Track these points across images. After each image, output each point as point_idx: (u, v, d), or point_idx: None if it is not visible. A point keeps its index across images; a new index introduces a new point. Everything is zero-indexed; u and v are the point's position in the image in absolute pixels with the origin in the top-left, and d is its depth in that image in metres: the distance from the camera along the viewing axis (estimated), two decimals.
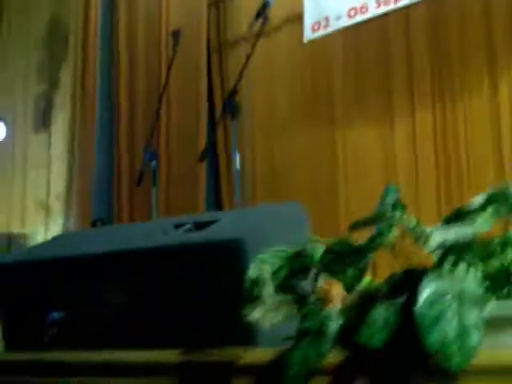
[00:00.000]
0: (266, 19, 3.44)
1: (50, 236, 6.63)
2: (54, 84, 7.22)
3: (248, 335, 1.16)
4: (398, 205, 1.00)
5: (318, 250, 1.04)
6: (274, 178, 5.72)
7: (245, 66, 3.42)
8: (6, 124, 7.38)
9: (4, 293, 1.51)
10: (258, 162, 5.66)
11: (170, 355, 1.11)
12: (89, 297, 1.33)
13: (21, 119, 7.47)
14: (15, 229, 7.19)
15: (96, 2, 6.80)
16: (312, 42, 5.52)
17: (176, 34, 4.04)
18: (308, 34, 5.57)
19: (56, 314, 1.38)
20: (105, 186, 6.60)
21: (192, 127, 6.13)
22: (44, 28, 7.41)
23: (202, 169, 5.88)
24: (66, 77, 7.05)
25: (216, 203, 6.16)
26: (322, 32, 5.50)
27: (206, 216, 1.59)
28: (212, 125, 6.18)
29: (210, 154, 5.70)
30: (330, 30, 5.43)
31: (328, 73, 5.49)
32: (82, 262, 1.37)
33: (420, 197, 4.73)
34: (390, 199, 1.02)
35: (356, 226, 0.99)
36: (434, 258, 0.90)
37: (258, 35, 3.40)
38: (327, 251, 1.01)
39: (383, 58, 5.22)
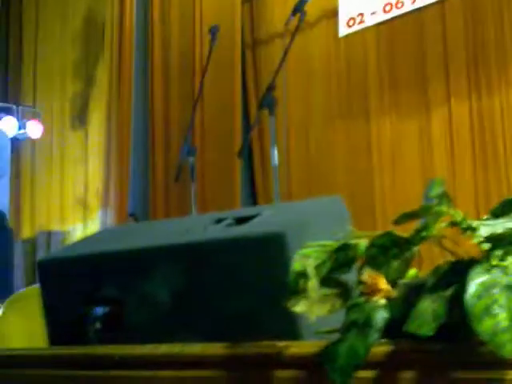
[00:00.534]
0: (303, 14, 3.44)
1: (88, 232, 6.71)
2: (90, 81, 7.30)
3: (292, 328, 1.17)
4: (443, 197, 1.00)
5: (362, 243, 1.05)
6: (309, 173, 5.71)
7: (282, 60, 3.43)
8: (43, 122, 7.48)
9: (49, 288, 1.53)
10: (293, 157, 5.66)
11: (215, 348, 1.12)
12: (133, 291, 1.35)
13: (58, 117, 7.57)
14: (54, 226, 7.28)
15: (131, 0, 6.85)
16: (347, 36, 5.51)
17: (213, 30, 4.06)
18: (343, 30, 5.56)
19: (100, 309, 1.40)
20: (140, 182, 6.65)
21: (226, 123, 6.15)
22: (80, 26, 7.48)
23: (238, 164, 5.90)
24: (102, 74, 7.12)
25: (251, 198, 6.17)
26: (356, 27, 5.48)
27: (247, 210, 1.59)
28: (246, 120, 6.19)
29: (246, 149, 5.72)
30: (364, 25, 5.42)
31: (363, 67, 5.48)
32: (127, 257, 1.38)
33: (457, 188, 4.69)
34: (436, 192, 1.02)
35: (401, 219, 0.99)
36: (481, 250, 0.90)
37: (296, 30, 3.41)
38: (371, 244, 1.01)
39: (418, 51, 5.20)
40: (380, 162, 5.25)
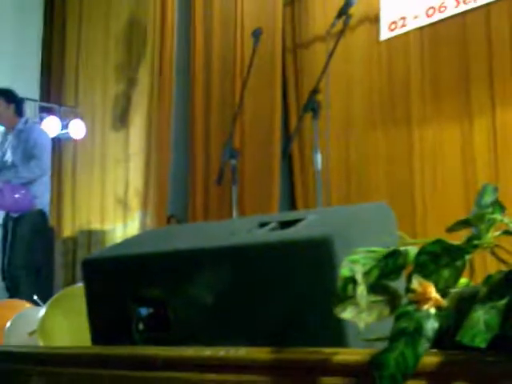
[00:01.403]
0: (348, 18, 3.43)
1: (128, 232, 6.76)
2: (131, 83, 7.36)
3: (337, 335, 1.16)
4: (496, 205, 0.98)
5: (412, 250, 1.03)
6: (349, 178, 5.69)
7: (327, 64, 3.42)
8: (85, 122, 7.57)
9: (93, 287, 1.55)
10: (333, 162, 5.63)
11: (260, 353, 1.11)
12: (177, 293, 1.35)
13: (99, 117, 7.65)
14: (95, 225, 7.35)
15: (173, 2, 6.91)
16: (389, 40, 5.48)
17: (256, 33, 4.06)
18: (384, 33, 5.53)
19: (144, 310, 1.41)
20: (181, 183, 6.69)
21: (266, 126, 6.16)
22: (123, 28, 7.56)
23: (277, 167, 5.90)
24: (144, 75, 7.18)
25: (289, 202, 6.16)
26: (398, 31, 5.45)
27: (290, 215, 1.58)
28: (284, 124, 6.19)
29: (287, 152, 5.72)
30: (406, 29, 5.38)
31: (405, 72, 5.44)
32: (172, 258, 1.39)
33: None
34: (488, 199, 1.00)
35: (455, 227, 0.98)
36: None
37: (341, 34, 3.40)
38: (421, 252, 0.99)
39: (462, 56, 5.14)
40: (421, 169, 5.20)
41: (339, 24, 3.52)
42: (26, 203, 5.02)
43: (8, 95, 5.30)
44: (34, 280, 5.06)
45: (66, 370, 1.50)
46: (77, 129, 7.51)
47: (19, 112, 5.32)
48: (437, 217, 4.96)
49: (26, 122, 5.32)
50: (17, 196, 4.99)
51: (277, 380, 1.08)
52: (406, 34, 5.41)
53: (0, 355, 1.76)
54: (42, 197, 5.16)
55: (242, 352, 1.13)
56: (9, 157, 5.16)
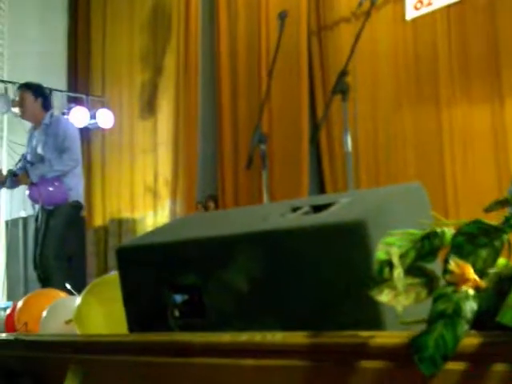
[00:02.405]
0: None
1: (158, 220, 6.80)
2: (158, 71, 7.37)
3: (374, 318, 1.15)
4: None
5: (448, 231, 1.02)
6: (378, 160, 5.65)
7: (354, 45, 3.38)
8: (113, 112, 7.60)
9: (128, 275, 1.55)
10: (361, 144, 5.60)
11: (297, 337, 1.11)
12: (212, 279, 1.35)
13: (127, 106, 7.68)
14: (125, 214, 7.41)
15: None
16: (415, 19, 5.41)
17: (282, 16, 4.03)
18: (410, 13, 5.46)
19: (179, 297, 1.41)
20: (209, 170, 6.70)
21: (294, 109, 6.13)
22: (147, 16, 7.56)
23: (306, 151, 5.87)
24: (170, 63, 7.19)
25: (317, 185, 6.14)
26: (424, 10, 5.38)
27: (323, 198, 1.57)
28: (311, 106, 6.16)
29: (313, 134, 5.70)
30: (433, 7, 5.31)
31: (432, 51, 5.37)
32: (206, 245, 1.39)
33: None
34: None
35: (493, 207, 0.96)
36: None
37: (368, 14, 3.36)
38: (458, 232, 0.98)
39: (491, 35, 5.05)
40: (451, 149, 5.14)
41: (365, 4, 3.48)
42: (61, 196, 5.07)
43: (35, 89, 5.32)
44: (66, 270, 5.11)
45: (102, 357, 1.52)
46: (105, 118, 7.55)
47: (46, 106, 5.35)
48: (468, 197, 4.91)
49: (52, 115, 5.34)
50: (51, 189, 5.05)
51: (314, 365, 1.08)
52: (432, 12, 5.33)
53: (37, 344, 1.78)
54: (76, 188, 5.20)
55: (278, 337, 1.13)
56: (40, 152, 5.20)
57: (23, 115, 5.42)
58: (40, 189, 5.02)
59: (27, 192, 5.19)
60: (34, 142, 5.29)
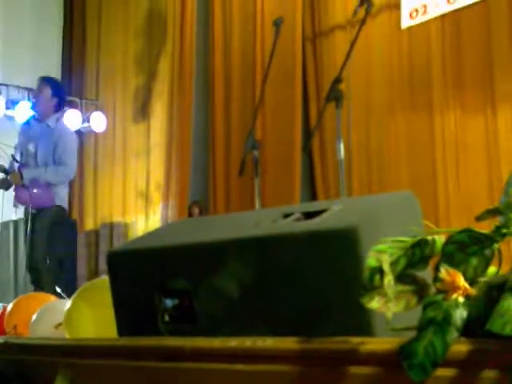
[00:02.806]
0: (370, 5, 3.40)
1: (150, 224, 6.79)
2: (152, 75, 7.37)
3: (364, 324, 1.15)
4: None
5: (439, 239, 1.03)
6: (370, 167, 5.66)
7: (349, 52, 3.39)
8: (106, 115, 7.59)
9: (119, 279, 1.55)
10: (354, 150, 5.60)
11: (287, 343, 1.11)
12: (203, 284, 1.35)
13: (120, 110, 7.67)
14: (116, 218, 7.39)
15: None
16: (410, 28, 5.43)
17: (277, 22, 4.04)
18: (406, 21, 5.49)
19: (170, 301, 1.41)
20: (202, 175, 6.70)
21: (287, 116, 6.14)
22: (142, 20, 7.57)
23: (298, 157, 5.88)
24: (164, 68, 7.19)
25: (309, 192, 6.14)
26: (420, 19, 5.40)
27: (314, 205, 1.57)
28: (305, 113, 6.17)
29: (306, 142, 5.71)
30: (428, 16, 5.34)
31: (426, 60, 5.39)
32: (197, 250, 1.39)
33: None
34: None
35: (484, 216, 0.97)
36: None
37: (363, 22, 3.37)
38: (449, 241, 0.99)
39: (484, 44, 5.08)
40: (443, 157, 5.16)
41: (360, 12, 3.49)
42: (47, 200, 5.06)
43: (55, 87, 5.28)
44: (56, 272, 5.10)
45: (92, 361, 1.51)
46: (98, 122, 7.54)
47: (58, 108, 5.32)
48: (460, 205, 4.92)
49: (58, 119, 5.31)
50: (39, 192, 5.02)
51: (305, 370, 1.08)
52: (428, 21, 5.36)
53: (27, 347, 1.78)
54: (61, 193, 5.18)
55: (269, 342, 1.13)
56: (32, 147, 5.17)
57: (35, 106, 5.41)
58: (30, 190, 4.99)
59: (14, 193, 5.16)
60: (30, 134, 5.24)
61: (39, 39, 8.11)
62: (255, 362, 1.12)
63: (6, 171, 5.18)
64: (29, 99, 6.96)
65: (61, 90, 5.38)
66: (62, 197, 5.21)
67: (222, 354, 1.17)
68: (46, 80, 5.36)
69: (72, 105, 7.66)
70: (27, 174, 5.05)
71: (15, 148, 5.39)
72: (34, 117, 5.39)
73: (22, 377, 1.67)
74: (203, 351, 1.21)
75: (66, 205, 5.32)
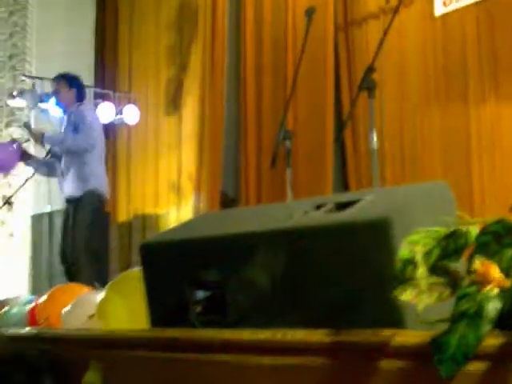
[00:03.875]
0: None
1: (182, 216, 6.81)
2: (183, 67, 7.38)
3: (395, 317, 1.14)
4: None
5: (473, 230, 1.01)
6: (404, 157, 5.60)
7: (382, 41, 3.34)
8: (139, 108, 7.63)
9: (151, 270, 1.55)
10: (387, 141, 5.55)
11: (318, 335, 1.10)
12: (235, 276, 1.35)
13: (152, 103, 7.70)
14: (149, 210, 7.43)
15: None
16: (444, 15, 5.36)
17: (309, 12, 4.01)
18: (439, 9, 5.41)
19: (202, 293, 1.41)
20: (234, 166, 6.69)
21: (319, 106, 6.10)
22: (174, 12, 7.58)
23: (330, 148, 5.84)
24: (196, 59, 7.20)
25: (341, 183, 6.10)
26: (454, 6, 5.32)
27: (347, 196, 1.56)
28: (337, 102, 6.12)
29: (338, 133, 5.67)
30: (462, 3, 5.25)
31: (461, 48, 5.30)
32: (229, 242, 1.38)
33: None
34: None
35: None
36: None
37: (396, 10, 3.32)
38: (483, 231, 0.97)
39: None
40: (478, 147, 5.08)
41: (393, 0, 3.45)
42: (10, 158, 5.21)
43: (69, 79, 5.37)
44: (94, 264, 5.14)
45: (124, 352, 1.52)
46: (131, 114, 7.58)
47: (80, 97, 5.39)
48: (495, 196, 4.85)
49: (78, 106, 5.38)
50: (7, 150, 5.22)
51: (335, 363, 1.07)
52: (462, 8, 5.27)
53: (59, 339, 1.79)
54: (97, 176, 5.23)
55: (299, 334, 1.12)
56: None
57: (58, 102, 5.52)
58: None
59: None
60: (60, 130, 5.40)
61: (72, 32, 8.17)
62: (285, 354, 1.12)
63: (29, 127, 5.38)
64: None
65: (77, 81, 5.46)
66: (99, 179, 5.25)
67: (251, 346, 1.17)
68: (59, 76, 5.47)
69: (106, 97, 7.71)
70: (48, 138, 5.23)
71: None
72: (63, 111, 5.50)
73: (53, 368, 1.68)
74: (232, 343, 1.21)
75: (104, 189, 5.34)
